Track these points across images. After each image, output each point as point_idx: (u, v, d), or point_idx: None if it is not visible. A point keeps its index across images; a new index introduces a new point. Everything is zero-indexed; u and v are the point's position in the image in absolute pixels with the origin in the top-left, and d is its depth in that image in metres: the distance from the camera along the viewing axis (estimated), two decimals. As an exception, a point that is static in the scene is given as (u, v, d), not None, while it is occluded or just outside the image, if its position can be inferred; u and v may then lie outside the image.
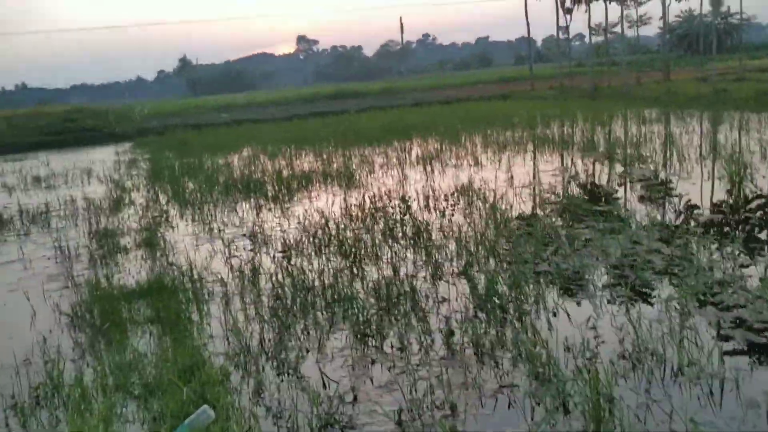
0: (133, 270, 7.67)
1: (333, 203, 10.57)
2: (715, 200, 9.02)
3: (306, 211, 10.10)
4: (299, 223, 9.33)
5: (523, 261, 6.53)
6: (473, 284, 5.96)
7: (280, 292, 6.23)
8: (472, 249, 7.01)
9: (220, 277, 6.96)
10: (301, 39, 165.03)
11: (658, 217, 8.14)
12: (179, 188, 13.20)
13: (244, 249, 8.19)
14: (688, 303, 5.11)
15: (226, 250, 8.13)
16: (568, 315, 5.21)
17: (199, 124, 32.21)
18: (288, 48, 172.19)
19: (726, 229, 7.69)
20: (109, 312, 5.98)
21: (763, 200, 8.71)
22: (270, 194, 11.90)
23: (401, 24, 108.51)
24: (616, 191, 10.34)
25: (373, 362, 4.67)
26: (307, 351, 4.93)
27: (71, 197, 13.57)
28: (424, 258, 7.01)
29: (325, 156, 16.70)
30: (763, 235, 7.47)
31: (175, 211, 11.23)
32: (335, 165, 14.79)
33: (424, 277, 6.41)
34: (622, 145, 14.57)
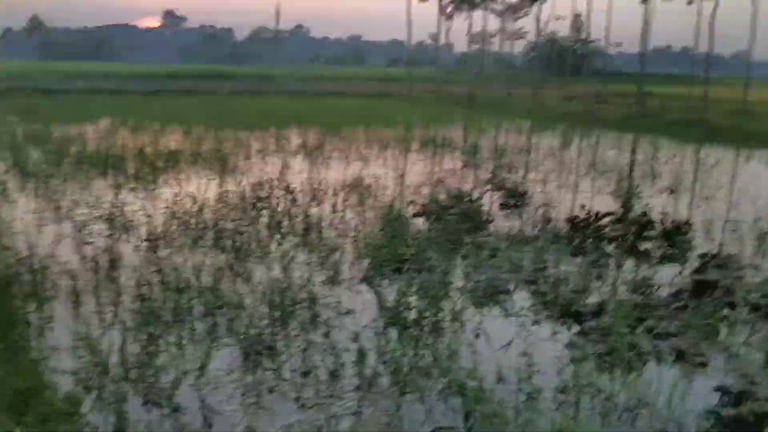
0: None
1: (206, 188, 9.40)
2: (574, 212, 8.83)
3: (175, 195, 8.87)
4: (167, 208, 8.11)
5: (429, 269, 5.85)
6: (379, 293, 5.20)
7: (146, 291, 5.13)
8: (370, 252, 6.22)
9: (69, 267, 5.70)
10: (168, 14, 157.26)
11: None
12: (21, 157, 11.37)
13: (100, 235, 6.90)
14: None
15: (78, 234, 6.81)
16: (490, 336, 4.57)
17: (51, 89, 29.16)
18: (153, 22, 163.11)
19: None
20: None
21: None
22: (131, 173, 10.47)
23: (278, 11, 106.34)
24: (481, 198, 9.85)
25: (271, 391, 3.75)
26: (184, 373, 3.91)
27: None
28: (318, 259, 6.14)
29: (194, 136, 15.31)
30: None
31: (14, 184, 9.54)
32: (206, 146, 13.50)
33: (322, 282, 5.55)
34: (496, 152, 14.44)
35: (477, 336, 4.56)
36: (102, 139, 14.50)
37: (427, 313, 4.75)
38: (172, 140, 14.68)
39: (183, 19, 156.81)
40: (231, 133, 16.04)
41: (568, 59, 51.13)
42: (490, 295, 5.32)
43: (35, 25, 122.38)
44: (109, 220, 7.47)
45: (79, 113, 20.01)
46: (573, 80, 40.81)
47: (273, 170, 11.21)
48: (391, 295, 5.14)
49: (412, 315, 4.77)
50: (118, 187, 9.41)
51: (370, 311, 4.91)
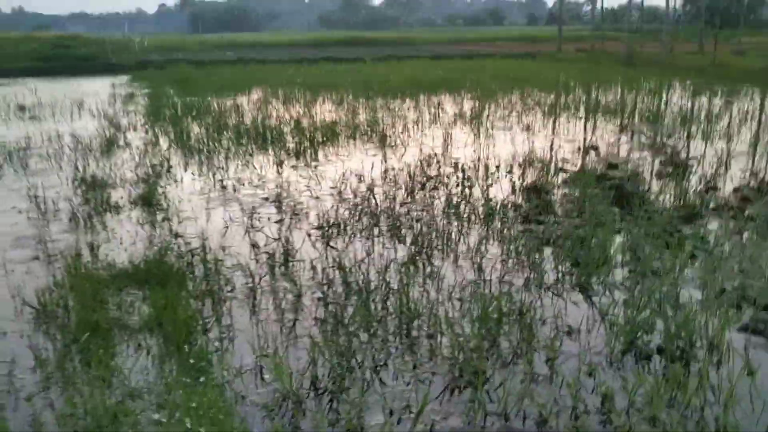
0: (126, 239, 5.90)
1: (370, 165, 8.76)
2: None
3: (338, 172, 8.31)
4: (333, 188, 7.55)
5: (647, 270, 4.81)
6: (599, 304, 4.26)
7: (327, 293, 4.52)
8: (588, 248, 5.25)
9: (241, 261, 5.21)
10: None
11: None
12: (182, 131, 11.33)
13: (269, 220, 6.42)
14: None
15: (247, 219, 6.36)
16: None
17: (203, 60, 29.99)
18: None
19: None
20: (90, 308, 4.25)
21: None
22: (291, 147, 10.06)
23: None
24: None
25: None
26: (391, 413, 3.21)
27: (57, 132, 11.70)
28: (519, 258, 5.27)
29: (346, 106, 14.81)
30: None
31: (178, 160, 9.40)
32: (361, 118, 12.91)
33: (524, 286, 4.69)
34: (689, 120, 12.72)
35: (750, 374, 3.52)
36: (257, 110, 14.35)
37: (676, 338, 3.76)
38: (326, 111, 14.27)
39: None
40: (383, 102, 15.43)
41: (731, 9, 46.29)
42: (742, 310, 4.22)
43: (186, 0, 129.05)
44: (277, 202, 7.00)
45: (231, 84, 20.21)
46: (737, 33, 36.61)
47: (435, 143, 10.41)
48: (614, 308, 4.19)
49: (653, 339, 3.80)
50: (280, 164, 8.99)
51: (596, 331, 4.00)
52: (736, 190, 7.25)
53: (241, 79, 22.07)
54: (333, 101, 15.99)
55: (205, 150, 9.88)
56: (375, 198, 6.78)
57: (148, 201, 7.00)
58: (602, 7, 38.01)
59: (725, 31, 39.41)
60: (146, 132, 11.84)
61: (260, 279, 4.83)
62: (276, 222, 6.34)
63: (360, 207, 6.61)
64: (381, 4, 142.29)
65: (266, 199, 7.16)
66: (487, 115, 13.16)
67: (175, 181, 8.12)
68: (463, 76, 21.30)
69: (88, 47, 32.64)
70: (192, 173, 8.54)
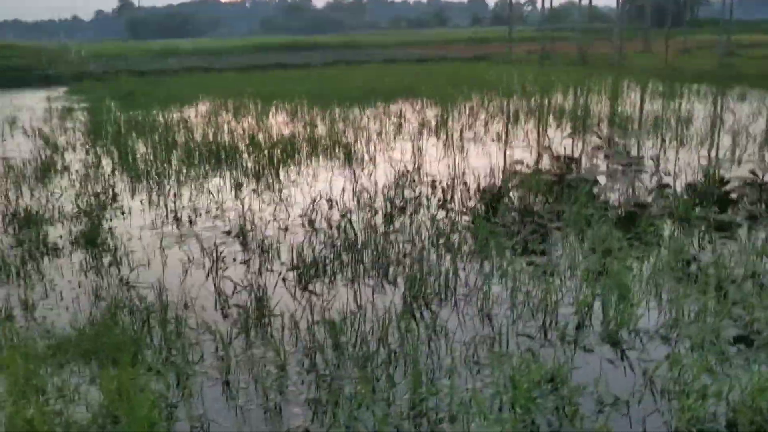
0: (67, 293, 5.01)
1: (340, 187, 8.02)
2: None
3: (306, 196, 7.55)
4: (303, 216, 6.78)
5: (700, 315, 4.22)
6: (652, 361, 3.64)
7: (316, 360, 3.77)
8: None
9: (207, 319, 4.41)
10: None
11: None
12: (127, 151, 10.35)
13: (235, 261, 5.61)
14: None
15: (209, 261, 5.54)
16: None
17: (145, 70, 28.69)
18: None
19: None
20: (23, 399, 3.40)
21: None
22: (250, 167, 9.23)
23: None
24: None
25: None
26: None
27: (-14, 157, 10.59)
28: (529, 299, 4.61)
29: (303, 117, 14.03)
30: None
31: (124, 185, 8.47)
32: (321, 130, 12.15)
33: (552, 343, 4.03)
34: (662, 124, 12.37)
35: None
36: (207, 124, 13.43)
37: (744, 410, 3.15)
38: (281, 123, 13.45)
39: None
40: (341, 112, 14.70)
41: (668, 8, 47.13)
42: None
43: (124, 5, 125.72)
44: (240, 236, 6.19)
45: (176, 95, 19.15)
46: (680, 32, 37.21)
47: (404, 157, 9.73)
48: (659, 369, 3.57)
49: (718, 413, 3.19)
50: (238, 187, 8.17)
51: (646, 401, 3.36)
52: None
53: (187, 89, 21.03)
54: (287, 112, 15.19)
55: (153, 173, 8.97)
56: (353, 227, 6.04)
57: (92, 240, 6.10)
58: (542, 7, 37.87)
59: (670, 30, 39.96)
60: (87, 152, 10.82)
61: (232, 343, 4.04)
62: (243, 262, 5.54)
63: (337, 239, 5.87)
64: (324, 8, 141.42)
65: (228, 233, 6.34)
66: (452, 124, 12.57)
67: (122, 212, 7.21)
68: (418, 82, 20.74)
69: (22, 58, 30.86)
70: (141, 202, 7.63)
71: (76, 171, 9.31)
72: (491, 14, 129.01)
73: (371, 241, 5.73)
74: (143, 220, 6.87)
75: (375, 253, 5.50)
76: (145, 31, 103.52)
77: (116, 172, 9.23)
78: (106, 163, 9.84)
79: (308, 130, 12.09)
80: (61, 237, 6.32)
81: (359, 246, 5.66)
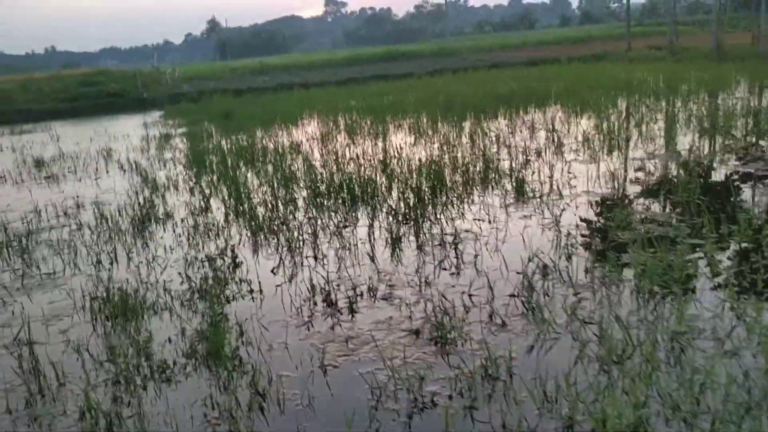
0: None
1: (533, 235, 5.71)
2: None
3: (494, 253, 5.29)
4: (514, 296, 4.51)
5: None
6: None
7: None
8: None
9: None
10: (330, 1, 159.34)
11: None
12: (238, 188, 8.47)
13: (442, 394, 3.39)
14: None
15: (407, 397, 3.34)
16: None
17: (239, 89, 27.43)
18: (316, 11, 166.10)
19: None
20: None
21: None
22: (397, 208, 7.07)
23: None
24: None
25: None
26: None
27: (76, 201, 8.91)
28: None
29: (428, 133, 11.86)
30: None
31: (243, 242, 6.46)
32: (462, 151, 9.91)
33: None
34: None
35: None
36: (322, 147, 11.47)
37: None
38: (407, 143, 11.30)
39: (343, 4, 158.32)
40: (469, 124, 12.46)
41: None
42: None
43: (213, 26, 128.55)
44: (438, 339, 3.97)
45: (276, 113, 17.42)
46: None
47: (592, 185, 7.33)
48: None
49: None
50: (396, 241, 5.98)
51: None
52: None
53: (286, 106, 19.31)
54: (409, 129, 13.05)
55: (278, 222, 6.95)
56: (628, 333, 3.70)
57: (216, 352, 4.02)
58: (628, 2, 33.54)
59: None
60: (191, 191, 8.99)
61: None
62: (467, 408, 3.29)
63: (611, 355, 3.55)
64: (404, 18, 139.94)
65: (415, 333, 4.12)
66: (626, 137, 10.06)
67: (250, 291, 5.14)
68: (542, 86, 18.23)
69: (117, 82, 30.32)
70: (272, 272, 5.54)
71: (182, 220, 7.41)
72: (580, 13, 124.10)
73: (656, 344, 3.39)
74: (282, 307, 4.76)
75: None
76: (233, 51, 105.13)
77: (230, 219, 7.27)
78: (217, 207, 7.93)
79: (447, 150, 9.88)
80: (169, 341, 4.28)
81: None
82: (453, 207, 7.00)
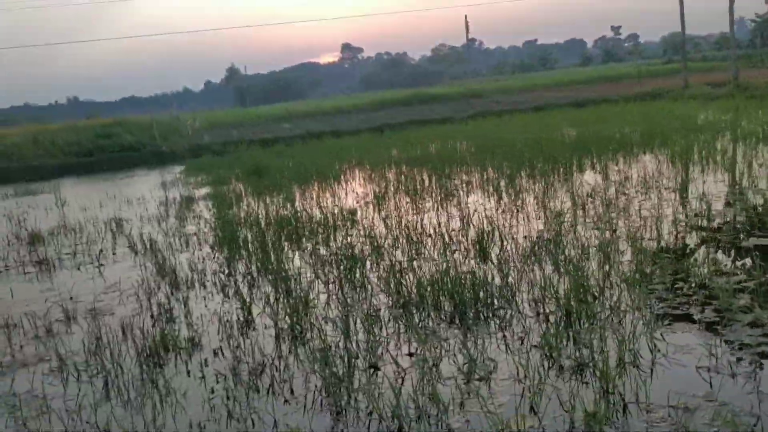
0: None
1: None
2: None
3: None
4: None
5: None
6: None
7: None
8: None
9: None
10: (346, 47, 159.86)
11: None
12: (286, 284, 6.12)
13: None
14: None
15: None
16: None
17: (265, 138, 25.35)
18: (332, 57, 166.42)
19: None
20: None
21: None
22: (543, 330, 4.59)
23: (466, 23, 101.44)
24: None
25: None
26: None
27: (67, 308, 6.51)
28: None
29: (514, 193, 9.46)
30: None
31: (316, 408, 3.99)
32: (597, 224, 7.47)
33: None
34: None
35: None
36: (385, 217, 9.08)
37: None
38: (494, 209, 8.86)
39: (360, 50, 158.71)
40: (559, 180, 10.08)
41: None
42: None
43: (231, 74, 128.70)
44: None
45: (311, 167, 15.16)
46: None
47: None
48: None
49: None
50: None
51: None
52: None
53: (322, 159, 17.05)
54: (478, 186, 10.70)
55: (358, 346, 4.51)
56: None
57: None
58: (683, 33, 31.01)
59: None
60: (222, 291, 6.56)
61: None
62: None
63: None
64: (421, 60, 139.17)
65: None
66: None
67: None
68: (609, 129, 15.95)
69: (133, 133, 28.32)
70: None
71: (214, 353, 4.95)
72: (602, 52, 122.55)
73: None
74: None
75: None
76: (252, 98, 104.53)
77: (283, 350, 4.82)
78: (262, 322, 5.49)
79: (555, 223, 7.43)
80: None
81: None
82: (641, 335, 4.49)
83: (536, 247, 6.61)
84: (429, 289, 5.57)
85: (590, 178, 10.59)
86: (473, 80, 67.90)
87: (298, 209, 10.25)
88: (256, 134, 27.58)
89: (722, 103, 20.30)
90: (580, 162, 11.84)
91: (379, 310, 5.42)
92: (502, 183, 10.55)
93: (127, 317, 5.93)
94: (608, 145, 13.40)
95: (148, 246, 8.95)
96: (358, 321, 5.19)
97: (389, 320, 5.19)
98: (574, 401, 3.61)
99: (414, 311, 5.30)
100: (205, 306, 6.14)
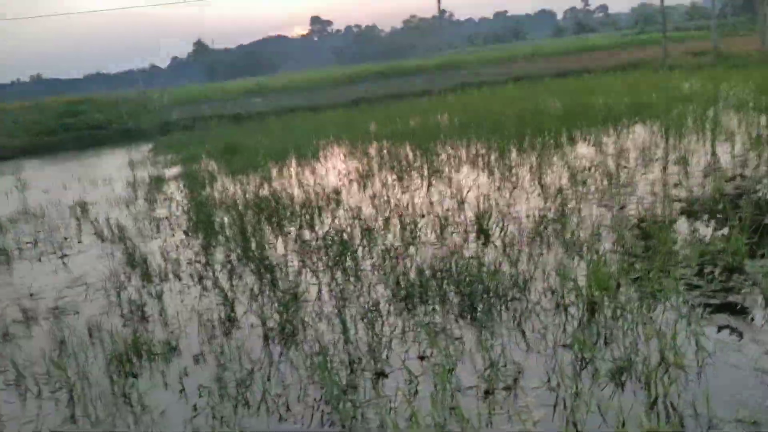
0: None
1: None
2: None
3: None
4: None
5: None
6: None
7: None
8: None
9: None
10: (315, 20, 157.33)
11: None
12: (273, 274, 5.54)
13: None
14: None
15: None
16: None
17: (238, 114, 24.43)
18: (301, 30, 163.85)
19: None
20: None
21: None
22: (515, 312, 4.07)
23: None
24: None
25: None
26: None
27: (29, 304, 5.85)
28: None
29: (510, 168, 8.92)
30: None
31: (313, 420, 3.44)
32: (608, 202, 6.96)
33: None
34: None
35: None
36: (372, 196, 8.49)
37: None
38: (487, 186, 8.32)
39: (329, 23, 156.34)
40: (552, 154, 9.56)
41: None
42: None
43: (199, 48, 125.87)
44: None
45: (288, 143, 14.46)
46: None
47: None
48: None
49: None
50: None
51: None
52: None
53: (299, 135, 16.32)
54: (467, 161, 10.15)
55: (359, 348, 3.96)
56: None
57: None
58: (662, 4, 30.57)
59: None
60: (200, 282, 5.94)
61: None
62: None
63: None
64: (391, 33, 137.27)
65: None
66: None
67: None
68: (594, 101, 15.45)
69: (101, 111, 27.17)
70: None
71: (195, 359, 4.36)
72: (573, 24, 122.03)
73: None
74: None
75: None
76: (221, 73, 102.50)
77: (272, 352, 4.25)
78: (247, 320, 4.89)
79: (556, 199, 6.91)
80: None
81: None
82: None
83: (542, 228, 6.08)
84: (431, 278, 5.02)
85: (584, 151, 10.09)
86: (448, 52, 66.96)
87: (277, 189, 9.61)
88: (227, 110, 26.64)
89: (706, 73, 19.91)
90: (570, 134, 11.33)
91: (378, 303, 4.85)
92: (492, 157, 10.00)
93: (94, 317, 5.30)
94: (596, 116, 12.90)
95: (116, 232, 8.26)
96: (357, 317, 4.63)
97: (390, 315, 4.64)
98: (622, 415, 3.10)
99: (417, 304, 4.75)
100: (182, 301, 5.52)
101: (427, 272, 5.13)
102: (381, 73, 40.94)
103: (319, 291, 5.30)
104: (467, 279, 4.88)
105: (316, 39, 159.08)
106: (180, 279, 6.15)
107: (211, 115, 24.02)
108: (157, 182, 12.17)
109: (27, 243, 8.51)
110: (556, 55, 38.24)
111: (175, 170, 13.73)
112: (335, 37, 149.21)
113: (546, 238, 5.88)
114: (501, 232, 6.24)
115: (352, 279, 5.47)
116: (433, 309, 4.67)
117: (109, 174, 14.39)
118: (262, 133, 18.20)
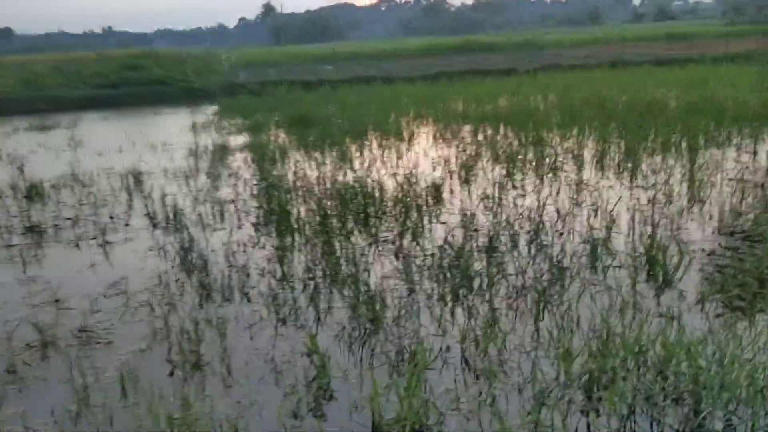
0: None
1: None
2: None
3: None
4: None
5: None
6: None
7: None
8: None
9: None
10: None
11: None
12: (367, 297, 3.96)
13: None
14: None
15: None
16: None
17: (307, 80, 22.87)
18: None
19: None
20: None
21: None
22: None
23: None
24: None
25: None
26: None
27: (49, 319, 4.43)
28: None
29: (636, 168, 7.13)
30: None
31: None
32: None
33: None
34: None
35: None
36: (474, 193, 6.83)
37: None
38: (622, 195, 6.54)
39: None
40: (697, 156, 7.70)
41: None
42: None
43: (267, 11, 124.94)
44: None
45: (370, 118, 12.84)
46: None
47: None
48: None
49: None
50: None
51: None
52: None
53: (377, 109, 14.65)
54: (581, 155, 8.36)
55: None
56: None
57: None
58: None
59: None
60: (276, 313, 4.40)
61: None
62: None
63: None
64: (461, 8, 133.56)
65: None
66: None
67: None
68: (712, 94, 13.35)
69: (163, 67, 25.98)
70: None
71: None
72: (654, 10, 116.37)
73: None
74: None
75: None
76: (288, 36, 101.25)
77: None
78: (344, 393, 3.31)
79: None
80: None
81: None
82: None
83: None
84: (616, 355, 3.35)
85: (743, 157, 8.18)
86: (525, 31, 63.94)
87: (361, 176, 8.02)
88: (296, 74, 25.14)
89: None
90: (707, 134, 9.40)
91: (550, 390, 3.21)
92: (617, 157, 8.19)
93: (129, 355, 3.81)
94: (724, 113, 10.88)
95: (172, 216, 6.80)
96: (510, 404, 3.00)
97: (577, 414, 3.00)
98: None
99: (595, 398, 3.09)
100: (251, 338, 3.98)
101: (611, 345, 3.45)
102: (457, 47, 38.85)
103: (445, 351, 3.68)
104: (682, 384, 3.19)
105: (383, 9, 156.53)
106: (249, 300, 4.62)
107: (280, 79, 22.54)
108: (222, 152, 10.72)
109: (67, 219, 7.14)
110: (645, 41, 35.41)
111: (241, 139, 12.27)
112: (403, 9, 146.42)
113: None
114: (682, 272, 4.52)
115: (483, 322, 3.83)
116: (631, 412, 3.00)
117: (170, 139, 13.03)
118: (335, 103, 16.62)
